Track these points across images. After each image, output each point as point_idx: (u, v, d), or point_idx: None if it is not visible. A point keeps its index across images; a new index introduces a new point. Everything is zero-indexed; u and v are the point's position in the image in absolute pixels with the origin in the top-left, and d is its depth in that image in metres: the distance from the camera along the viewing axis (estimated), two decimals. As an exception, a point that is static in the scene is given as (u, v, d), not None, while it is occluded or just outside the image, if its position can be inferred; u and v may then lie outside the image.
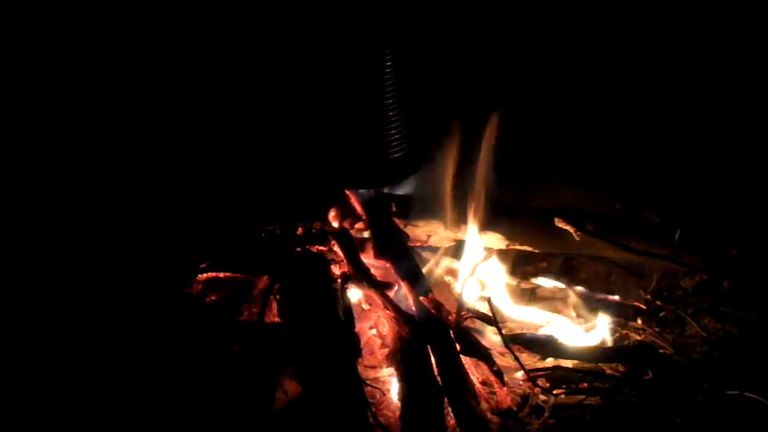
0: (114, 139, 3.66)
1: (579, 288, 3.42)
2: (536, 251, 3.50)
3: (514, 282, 3.47)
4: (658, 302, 3.35)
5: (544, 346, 3.00)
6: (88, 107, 3.65)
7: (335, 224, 3.35)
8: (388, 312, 2.97)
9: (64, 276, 3.18)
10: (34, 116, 3.60)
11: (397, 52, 3.21)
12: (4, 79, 3.55)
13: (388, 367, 2.92)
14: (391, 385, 2.86)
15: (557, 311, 3.34)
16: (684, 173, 3.92)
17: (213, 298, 3.14)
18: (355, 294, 3.09)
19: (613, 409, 2.76)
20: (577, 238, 3.30)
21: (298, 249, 3.22)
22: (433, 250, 3.48)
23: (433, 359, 2.80)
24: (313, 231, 3.31)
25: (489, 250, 3.34)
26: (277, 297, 3.04)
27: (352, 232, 3.33)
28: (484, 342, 2.94)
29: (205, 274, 3.15)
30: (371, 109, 3.23)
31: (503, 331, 2.89)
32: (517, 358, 2.83)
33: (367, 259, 3.20)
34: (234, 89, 3.62)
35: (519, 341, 2.96)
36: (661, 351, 3.01)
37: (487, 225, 3.34)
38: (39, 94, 3.60)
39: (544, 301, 3.43)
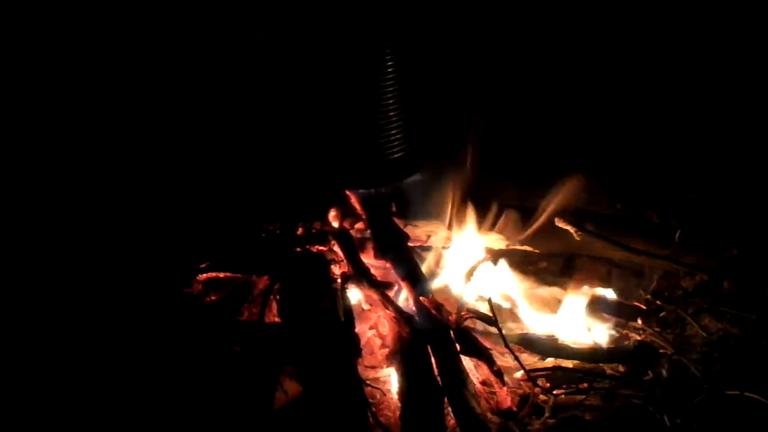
0: (115, 139, 3.67)
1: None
2: (536, 251, 3.50)
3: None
4: (658, 302, 3.35)
5: (544, 346, 3.00)
6: (88, 107, 3.65)
7: (335, 224, 3.35)
8: (388, 312, 2.97)
9: (65, 276, 3.18)
10: (34, 117, 3.60)
11: (397, 52, 3.21)
12: (5, 79, 3.55)
13: (388, 367, 2.92)
14: (391, 385, 2.86)
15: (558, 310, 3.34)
16: (684, 173, 3.92)
17: (213, 298, 3.14)
18: (355, 294, 3.09)
19: (614, 410, 2.76)
20: (577, 238, 3.30)
21: (299, 249, 3.22)
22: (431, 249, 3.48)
23: (433, 359, 2.79)
24: (313, 231, 3.31)
25: (489, 250, 3.34)
26: (278, 297, 3.04)
27: (352, 232, 3.33)
28: (484, 342, 2.93)
29: (205, 274, 3.16)
30: (371, 109, 3.23)
31: (503, 331, 2.89)
32: (517, 358, 2.83)
33: (367, 259, 3.20)
34: (235, 89, 3.62)
35: (519, 341, 2.96)
36: (661, 351, 3.00)
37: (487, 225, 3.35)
38: (40, 94, 3.61)
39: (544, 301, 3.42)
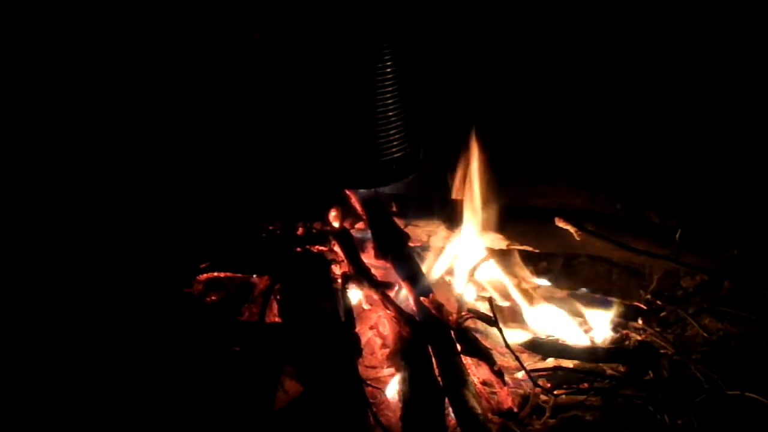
0: (115, 139, 3.67)
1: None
2: (536, 251, 3.50)
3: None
4: (658, 302, 3.34)
5: (544, 346, 3.00)
6: (88, 108, 3.65)
7: (336, 224, 3.34)
8: (388, 312, 2.97)
9: (65, 276, 3.18)
10: (34, 117, 3.60)
11: (396, 52, 3.21)
12: (7, 79, 3.55)
13: (388, 367, 2.92)
14: (391, 385, 2.86)
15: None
16: (684, 173, 3.92)
17: (213, 298, 3.14)
18: (355, 294, 3.09)
19: (614, 410, 2.76)
20: (577, 238, 3.30)
21: (299, 249, 3.22)
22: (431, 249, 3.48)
23: (433, 359, 2.79)
24: (314, 231, 3.31)
25: (489, 250, 3.34)
26: (278, 297, 3.04)
27: (353, 232, 3.33)
28: (484, 342, 2.94)
29: (205, 274, 3.16)
30: (371, 108, 3.23)
31: (503, 331, 2.89)
32: (517, 358, 2.82)
33: (368, 259, 3.20)
34: (234, 90, 3.62)
35: (520, 342, 2.96)
36: (661, 351, 3.00)
37: (488, 225, 3.35)
38: (40, 94, 3.61)
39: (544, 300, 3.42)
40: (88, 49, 3.64)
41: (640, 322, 3.18)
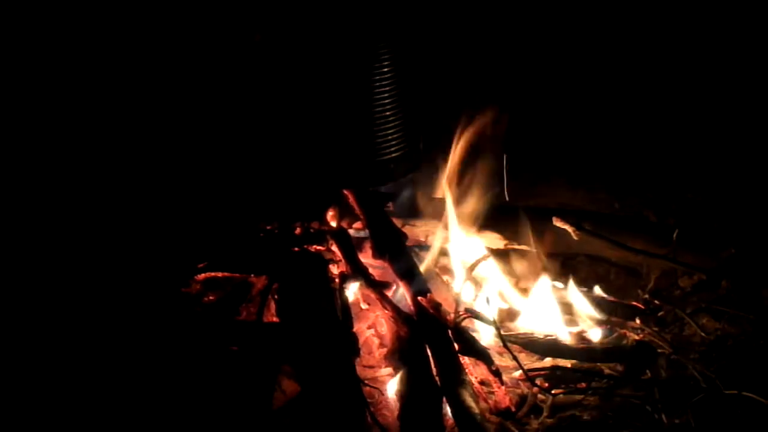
0: (112, 138, 3.66)
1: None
2: (535, 250, 3.50)
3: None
4: (656, 302, 3.35)
5: (542, 345, 3.00)
6: (86, 107, 3.65)
7: (333, 224, 3.35)
8: (386, 311, 2.96)
9: (62, 275, 3.18)
10: (31, 116, 3.59)
11: (393, 51, 3.21)
12: (4, 79, 3.55)
13: (386, 366, 2.92)
14: (389, 384, 2.86)
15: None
16: (682, 173, 3.92)
17: (211, 297, 3.14)
18: (353, 293, 3.09)
19: (612, 409, 2.76)
20: (575, 238, 3.30)
21: (296, 249, 3.22)
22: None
23: (431, 359, 2.79)
24: (311, 231, 3.31)
25: (487, 249, 3.34)
26: (276, 297, 3.04)
27: (350, 231, 3.33)
28: (481, 341, 2.94)
29: (203, 274, 3.16)
30: (369, 108, 3.23)
31: (501, 331, 2.89)
32: (515, 358, 2.82)
33: (365, 258, 3.20)
34: (232, 89, 3.61)
35: (517, 341, 2.96)
36: (659, 350, 3.00)
37: (485, 224, 3.35)
38: (37, 93, 3.60)
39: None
40: (87, 49, 3.64)
41: (637, 321, 3.18)
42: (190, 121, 3.69)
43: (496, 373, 2.76)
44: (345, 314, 2.96)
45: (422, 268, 3.20)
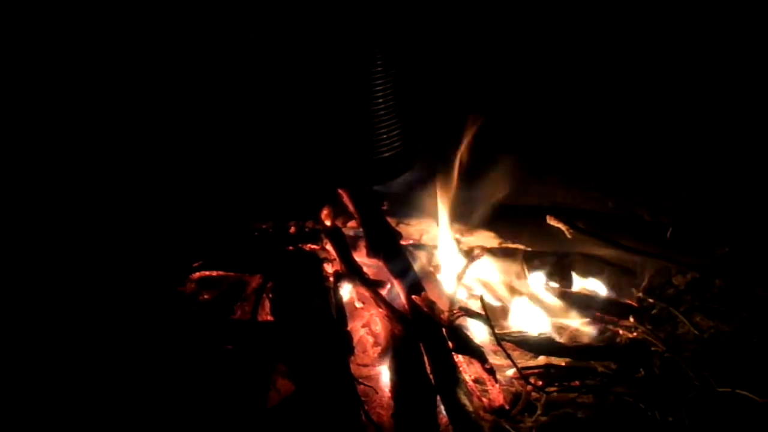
0: (107, 138, 3.66)
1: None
2: (528, 249, 3.50)
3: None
4: (650, 300, 3.35)
5: (536, 343, 3.01)
6: (79, 106, 3.65)
7: (328, 223, 3.35)
8: (380, 310, 2.97)
9: (57, 274, 3.18)
10: (28, 115, 3.59)
11: (386, 51, 3.21)
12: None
13: (380, 365, 2.92)
14: (383, 383, 2.86)
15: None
16: (676, 171, 3.92)
17: (206, 296, 3.14)
18: (347, 292, 3.09)
19: (606, 407, 2.77)
20: (569, 236, 3.31)
21: (291, 248, 3.22)
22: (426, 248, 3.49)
23: (425, 357, 2.80)
24: (306, 230, 3.31)
25: (481, 248, 3.35)
26: (270, 295, 3.04)
27: (345, 230, 3.33)
28: (475, 340, 2.94)
29: (198, 273, 3.16)
30: (363, 108, 3.23)
31: (495, 329, 2.90)
32: (509, 356, 2.83)
33: (360, 257, 3.20)
34: (227, 89, 3.62)
35: (511, 339, 2.97)
36: (653, 349, 3.01)
37: (478, 223, 3.36)
38: (34, 92, 3.60)
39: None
40: (82, 47, 3.63)
41: (631, 319, 3.18)
42: (185, 120, 3.69)
43: (490, 371, 2.77)
44: (339, 313, 2.96)
45: (416, 266, 3.20)
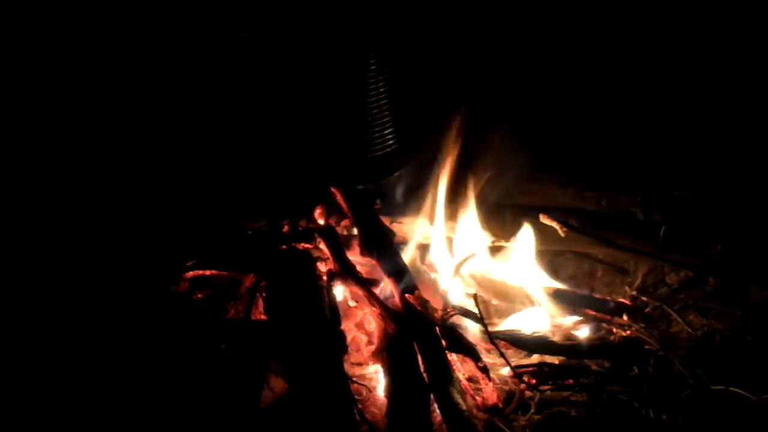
0: (99, 137, 3.65)
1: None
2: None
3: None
4: (643, 298, 3.36)
5: (529, 342, 3.01)
6: (71, 105, 3.64)
7: (321, 221, 3.35)
8: (374, 309, 2.96)
9: (50, 273, 3.18)
10: (24, 114, 3.59)
11: (381, 49, 3.21)
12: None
13: (374, 363, 2.92)
14: (377, 381, 2.86)
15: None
16: (669, 170, 3.93)
17: (199, 295, 3.14)
18: (340, 291, 3.09)
19: (599, 405, 2.77)
20: (562, 235, 3.31)
21: (284, 246, 3.22)
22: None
23: (419, 356, 2.80)
24: (299, 228, 3.31)
25: (474, 246, 3.35)
26: (264, 294, 3.03)
27: (338, 229, 3.33)
28: (469, 338, 2.94)
29: (191, 272, 3.15)
30: (357, 106, 3.23)
31: (489, 328, 2.89)
32: (503, 355, 2.83)
33: (353, 256, 3.20)
34: (220, 87, 3.61)
35: (505, 338, 2.97)
36: (646, 347, 3.01)
37: (472, 221, 3.36)
38: (29, 91, 3.59)
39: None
40: (77, 46, 3.63)
41: (625, 318, 3.19)
42: (178, 119, 3.68)
43: (484, 370, 2.77)
44: (333, 312, 2.96)
45: (409, 265, 3.20)
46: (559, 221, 3.30)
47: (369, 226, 3.27)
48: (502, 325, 3.18)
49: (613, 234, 3.39)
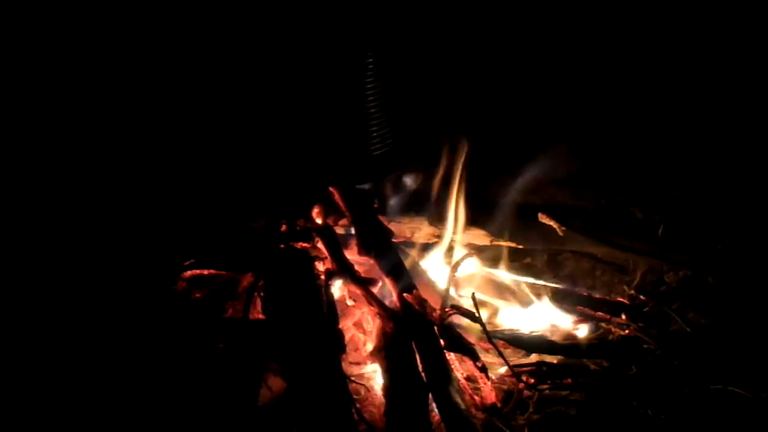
0: (98, 136, 3.65)
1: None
2: (520, 247, 3.50)
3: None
4: (642, 298, 3.36)
5: (528, 341, 3.01)
6: (70, 105, 3.64)
7: (319, 221, 3.34)
8: (372, 308, 2.96)
9: (49, 272, 3.17)
10: (24, 114, 3.58)
11: (379, 49, 3.21)
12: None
13: (372, 363, 2.92)
14: (375, 381, 2.86)
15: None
16: (668, 169, 3.92)
17: (198, 295, 3.13)
18: (338, 290, 3.08)
19: (598, 404, 2.77)
20: (561, 234, 3.30)
21: (282, 246, 3.21)
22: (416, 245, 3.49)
23: (417, 355, 2.79)
24: (297, 228, 3.31)
25: (473, 246, 3.35)
26: (262, 294, 3.03)
27: (336, 228, 3.33)
28: (467, 338, 2.94)
29: (189, 272, 3.15)
30: (355, 106, 3.23)
31: (487, 327, 2.89)
32: (501, 354, 2.82)
33: (351, 255, 3.19)
34: (218, 87, 3.61)
35: (503, 337, 2.96)
36: (645, 346, 3.01)
37: (471, 221, 3.35)
38: (29, 91, 3.59)
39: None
40: (74, 46, 3.63)
41: (623, 317, 3.18)
42: (175, 118, 3.68)
43: (483, 369, 2.77)
44: (331, 311, 2.95)
45: (408, 264, 3.20)
46: (557, 220, 3.30)
47: (367, 226, 3.26)
48: (501, 324, 3.17)
49: (612, 233, 3.39)
